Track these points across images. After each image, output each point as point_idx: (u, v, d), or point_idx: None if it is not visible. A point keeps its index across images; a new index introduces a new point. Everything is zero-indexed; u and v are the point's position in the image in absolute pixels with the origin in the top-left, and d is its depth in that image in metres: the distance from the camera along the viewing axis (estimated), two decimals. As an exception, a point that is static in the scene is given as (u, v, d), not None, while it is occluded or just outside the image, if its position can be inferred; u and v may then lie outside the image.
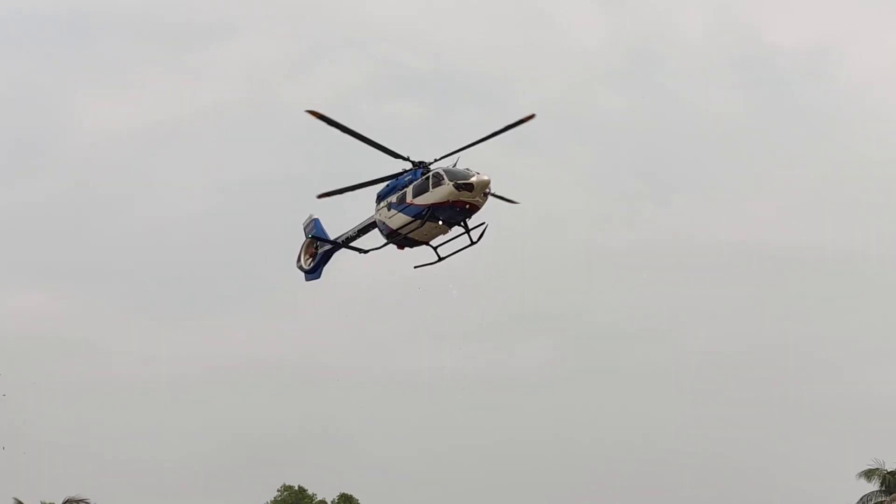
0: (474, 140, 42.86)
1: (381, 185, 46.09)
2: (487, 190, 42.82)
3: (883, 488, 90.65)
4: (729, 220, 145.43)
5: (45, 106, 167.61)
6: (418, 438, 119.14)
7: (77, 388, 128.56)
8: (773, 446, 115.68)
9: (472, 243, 44.27)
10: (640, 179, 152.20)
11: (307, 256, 49.58)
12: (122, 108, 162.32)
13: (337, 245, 48.42)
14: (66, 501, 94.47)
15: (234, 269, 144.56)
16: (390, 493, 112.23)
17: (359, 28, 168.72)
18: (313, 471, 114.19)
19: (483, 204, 43.10)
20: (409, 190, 44.18)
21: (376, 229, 46.47)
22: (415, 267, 45.88)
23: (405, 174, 45.08)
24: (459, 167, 43.41)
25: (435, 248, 45.36)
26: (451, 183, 42.66)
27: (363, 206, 46.91)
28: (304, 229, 50.16)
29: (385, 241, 46.00)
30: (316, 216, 49.80)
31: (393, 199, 45.07)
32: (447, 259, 45.23)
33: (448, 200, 42.78)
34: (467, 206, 43.00)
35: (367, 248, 47.22)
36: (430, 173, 43.62)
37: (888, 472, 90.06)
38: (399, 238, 45.10)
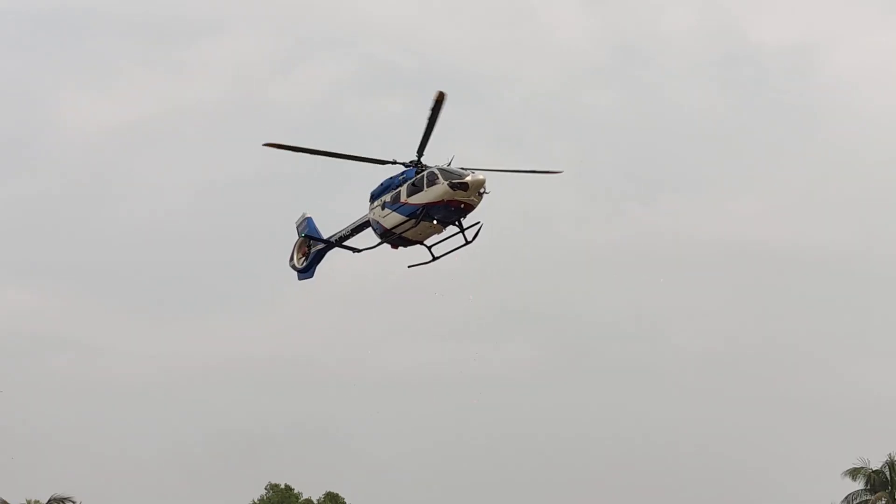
0: (495, 168, 43.22)
1: (375, 185, 45.92)
2: (482, 189, 42.62)
3: (868, 487, 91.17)
4: (714, 218, 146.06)
5: (31, 103, 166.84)
6: (406, 437, 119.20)
7: (64, 386, 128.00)
8: (759, 445, 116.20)
9: (467, 243, 44.04)
10: (624, 177, 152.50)
11: (300, 255, 49.26)
12: (108, 106, 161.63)
13: (330, 244, 48.07)
14: (52, 499, 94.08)
15: (223, 268, 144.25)
16: (377, 492, 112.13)
17: (345, 26, 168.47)
18: (300, 469, 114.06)
19: (478, 203, 42.89)
20: (404, 189, 43.91)
21: (370, 228, 46.12)
22: (409, 266, 45.69)
23: (399, 173, 44.76)
24: (454, 166, 43.19)
25: (429, 248, 45.09)
26: (446, 182, 42.44)
27: (357, 204, 46.80)
28: (297, 228, 49.74)
29: (379, 240, 45.69)
30: (309, 215, 49.44)
31: (387, 198, 44.77)
32: (441, 258, 45.06)
33: (443, 200, 42.55)
34: (462, 206, 42.75)
35: (360, 248, 46.99)
36: (425, 172, 43.33)
37: (873, 471, 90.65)
38: (393, 237, 44.80)
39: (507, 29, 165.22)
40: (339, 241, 47.78)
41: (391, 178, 45.20)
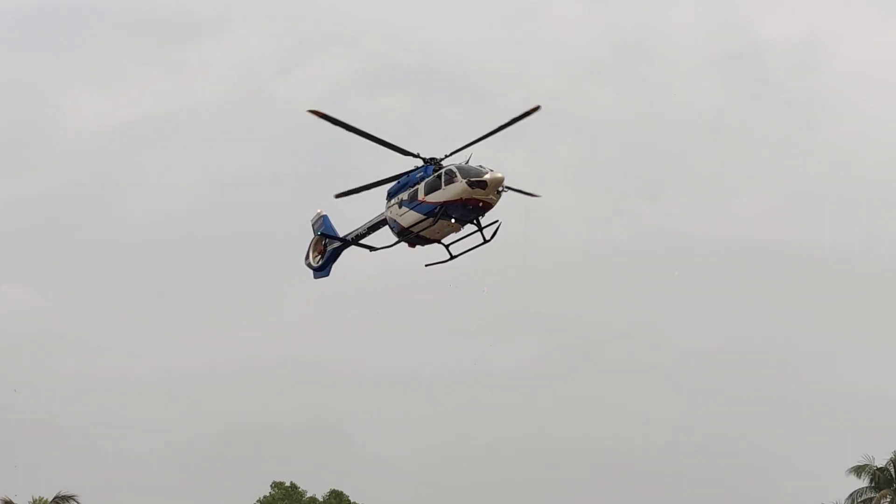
0: (481, 135, 42.29)
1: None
2: (501, 187, 42.17)
3: (872, 485, 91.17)
4: (716, 216, 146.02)
5: (32, 102, 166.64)
6: (409, 435, 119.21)
7: (66, 385, 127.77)
8: (763, 443, 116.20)
9: (485, 241, 43.62)
10: (627, 175, 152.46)
11: (316, 254, 48.81)
12: (110, 104, 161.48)
13: (346, 242, 47.70)
14: (56, 498, 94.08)
15: (224, 267, 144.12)
16: (382, 490, 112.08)
17: (348, 24, 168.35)
18: (305, 467, 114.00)
19: (496, 202, 42.47)
20: (421, 187, 43.50)
21: (386, 227, 45.78)
22: (426, 265, 45.30)
23: (416, 171, 44.38)
24: (472, 164, 42.74)
25: (447, 247, 44.71)
26: (465, 180, 42.00)
27: (373, 203, 46.50)
28: (313, 226, 49.39)
29: (396, 238, 45.31)
30: (324, 213, 49.04)
31: (404, 196, 44.35)
32: (458, 257, 44.72)
33: (461, 198, 42.13)
34: (480, 204, 42.35)
35: (377, 246, 46.62)
36: (443, 170, 42.93)
37: (878, 469, 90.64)
38: (411, 236, 44.41)
39: (510, 27, 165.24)
40: (355, 240, 47.38)
41: (408, 175, 44.74)
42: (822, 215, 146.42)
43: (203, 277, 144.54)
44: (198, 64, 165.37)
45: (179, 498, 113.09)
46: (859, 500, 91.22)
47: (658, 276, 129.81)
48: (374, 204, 46.57)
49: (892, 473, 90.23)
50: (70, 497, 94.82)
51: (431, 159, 43.88)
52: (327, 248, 48.66)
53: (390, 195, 45.50)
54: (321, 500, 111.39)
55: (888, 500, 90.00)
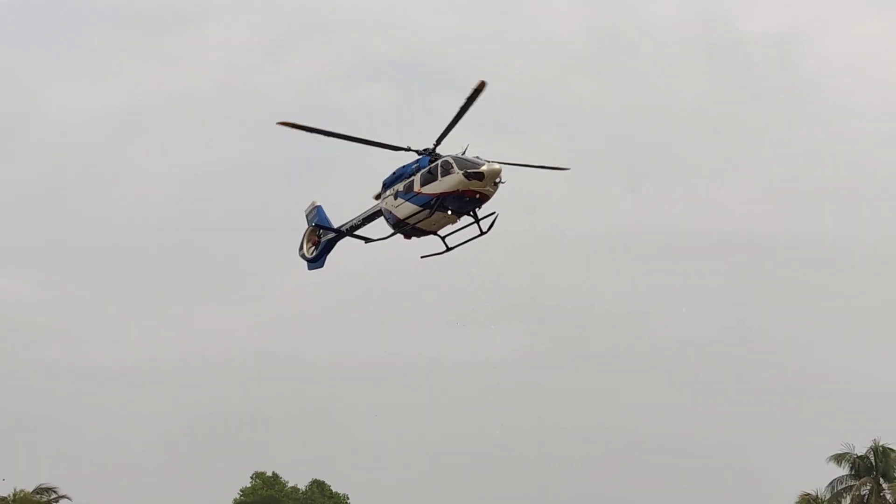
0: (450, 122, 41.49)
1: (387, 172, 45.02)
2: (498, 179, 41.55)
3: (853, 472, 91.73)
4: (699, 206, 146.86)
5: (18, 92, 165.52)
6: (393, 425, 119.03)
7: (50, 375, 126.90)
8: (744, 431, 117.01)
9: (482, 233, 43.06)
10: (611, 165, 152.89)
11: (310, 245, 48.19)
12: (96, 95, 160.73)
13: (340, 234, 47.04)
14: (37, 489, 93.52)
15: (210, 256, 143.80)
16: (363, 480, 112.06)
17: (332, 14, 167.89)
18: (286, 457, 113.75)
19: (493, 193, 41.86)
20: (417, 178, 42.87)
21: (381, 218, 45.11)
22: (422, 257, 44.71)
23: (412, 162, 43.74)
24: (468, 155, 42.16)
25: (443, 238, 44.13)
26: (461, 172, 41.42)
27: (368, 193, 46.05)
28: (307, 217, 48.75)
29: (391, 230, 44.69)
30: (319, 203, 48.40)
31: (400, 187, 43.71)
32: (455, 249, 44.32)
33: (458, 190, 41.53)
34: (477, 196, 41.75)
35: (373, 238, 45.87)
36: (439, 161, 42.31)
37: (858, 457, 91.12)
38: (406, 228, 43.82)
39: (493, 18, 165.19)
40: (349, 231, 46.75)
41: (403, 166, 44.14)
42: (803, 204, 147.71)
43: (188, 267, 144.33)
44: (183, 55, 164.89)
45: (161, 487, 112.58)
46: (839, 488, 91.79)
47: (642, 266, 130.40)
48: (369, 195, 46.18)
49: (873, 461, 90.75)
50: (51, 489, 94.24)
51: (427, 150, 43.20)
52: (321, 239, 48.06)
53: (385, 186, 44.85)
54: (303, 490, 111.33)
55: (868, 487, 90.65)
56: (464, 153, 42.60)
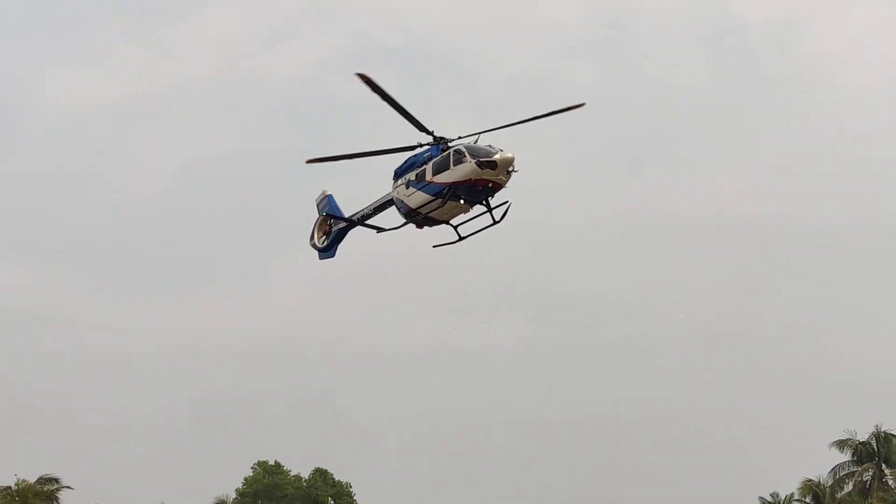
0: (517, 120, 41.85)
1: (397, 161, 44.61)
2: (511, 168, 41.27)
3: (855, 458, 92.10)
4: (700, 193, 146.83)
5: (17, 82, 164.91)
6: (394, 413, 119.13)
7: (47, 363, 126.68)
8: (747, 417, 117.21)
9: (495, 222, 42.80)
10: (611, 152, 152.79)
11: (321, 234, 47.88)
12: (92, 84, 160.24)
13: (352, 223, 46.79)
14: (40, 479, 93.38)
15: (209, 245, 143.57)
16: (365, 468, 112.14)
17: (331, 1, 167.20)
18: (289, 446, 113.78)
19: (506, 182, 41.59)
20: (429, 167, 42.54)
21: (393, 207, 44.86)
22: (434, 246, 44.40)
23: (424, 151, 43.47)
24: (481, 144, 41.99)
25: (455, 228, 43.85)
26: (474, 161, 41.14)
27: (379, 182, 45.85)
28: (318, 206, 48.51)
29: (403, 220, 44.42)
30: (329, 192, 48.17)
31: (412, 176, 43.40)
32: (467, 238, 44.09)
33: (470, 179, 41.27)
34: (490, 185, 41.47)
35: (385, 227, 45.59)
36: (451, 150, 42.02)
37: (860, 443, 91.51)
38: (419, 217, 43.55)
39: (494, 5, 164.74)
40: (361, 220, 46.49)
41: (415, 155, 43.84)
42: (805, 191, 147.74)
43: (188, 257, 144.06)
44: (180, 43, 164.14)
45: (164, 477, 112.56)
46: (842, 474, 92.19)
47: (644, 252, 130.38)
48: (380, 184, 45.97)
49: (875, 447, 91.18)
50: (53, 479, 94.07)
51: (440, 139, 42.94)
52: (332, 228, 47.83)
53: (397, 175, 44.57)
54: (305, 479, 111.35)
55: (870, 473, 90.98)
56: (476, 142, 42.33)
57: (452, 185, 41.89)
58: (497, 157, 41.34)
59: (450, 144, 42.81)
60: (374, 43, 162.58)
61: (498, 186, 41.94)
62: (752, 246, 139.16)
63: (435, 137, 43.00)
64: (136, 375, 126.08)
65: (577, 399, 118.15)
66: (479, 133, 42.03)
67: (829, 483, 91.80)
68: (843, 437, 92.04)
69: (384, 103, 40.71)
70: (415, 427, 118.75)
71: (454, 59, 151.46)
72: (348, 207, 47.39)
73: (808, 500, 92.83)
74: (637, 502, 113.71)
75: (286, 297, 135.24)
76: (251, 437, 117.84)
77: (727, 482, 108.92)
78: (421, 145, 43.35)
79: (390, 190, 45.16)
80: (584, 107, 41.90)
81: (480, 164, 41.32)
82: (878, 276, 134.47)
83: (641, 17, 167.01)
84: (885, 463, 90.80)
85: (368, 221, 46.56)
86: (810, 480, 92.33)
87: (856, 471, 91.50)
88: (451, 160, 42.01)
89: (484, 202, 42.74)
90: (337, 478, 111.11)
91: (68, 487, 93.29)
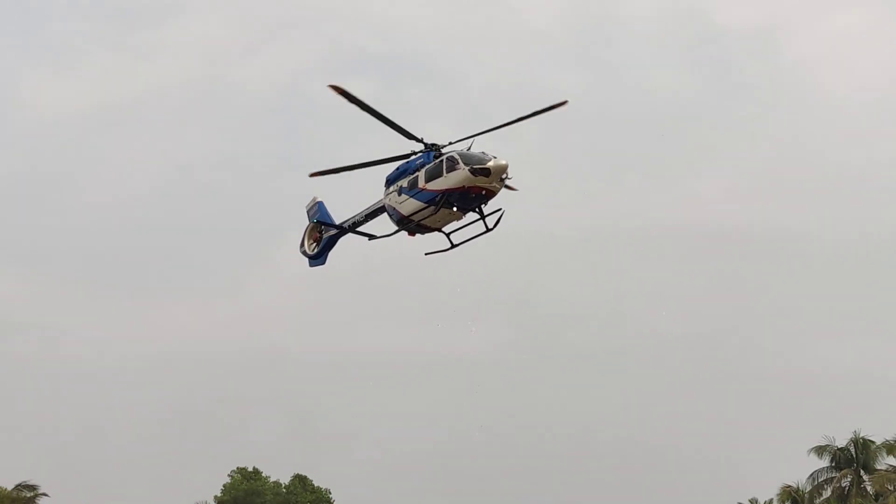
0: (499, 124, 41.58)
1: (390, 169, 44.24)
2: (505, 175, 40.98)
3: (833, 464, 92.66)
4: (679, 201, 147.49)
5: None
6: (373, 419, 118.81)
7: (22, 369, 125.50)
8: (726, 424, 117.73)
9: (488, 230, 42.48)
10: (590, 159, 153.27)
11: (311, 241, 47.43)
12: (71, 89, 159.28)
13: (343, 230, 46.37)
14: (17, 486, 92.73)
15: (188, 251, 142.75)
16: (345, 474, 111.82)
17: (311, 8, 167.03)
18: (268, 452, 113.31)
19: (500, 189, 41.31)
20: (422, 174, 42.20)
21: (385, 214, 44.47)
22: (426, 254, 44.01)
23: (416, 157, 43.12)
24: (474, 150, 41.64)
25: (448, 235, 43.54)
26: (467, 168, 40.78)
27: (371, 189, 45.60)
28: (308, 213, 48.00)
29: (395, 227, 44.02)
30: (320, 199, 47.68)
31: (404, 183, 43.01)
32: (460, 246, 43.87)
33: (463, 186, 40.92)
34: (483, 192, 41.14)
35: (377, 235, 45.24)
36: (444, 157, 41.67)
37: (839, 449, 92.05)
38: (411, 225, 43.12)
39: (473, 11, 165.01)
40: (352, 227, 46.09)
41: (407, 161, 43.49)
42: (783, 198, 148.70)
43: (167, 262, 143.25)
44: (159, 48, 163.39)
45: (142, 484, 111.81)
46: (820, 480, 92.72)
47: (622, 261, 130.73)
48: (372, 190, 45.75)
49: (853, 454, 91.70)
50: (31, 486, 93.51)
51: (432, 145, 42.66)
52: (323, 235, 47.40)
53: (389, 182, 44.18)
54: (285, 485, 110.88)
55: (849, 479, 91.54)
56: (469, 149, 42.01)
57: (445, 193, 41.55)
58: (491, 164, 41.05)
59: (442, 151, 42.47)
60: (354, 49, 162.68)
61: (491, 194, 41.62)
62: (731, 253, 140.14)
63: (426, 144, 42.70)
64: (114, 382, 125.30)
65: (555, 406, 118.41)
66: (468, 139, 41.77)
67: (808, 489, 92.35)
68: (822, 443, 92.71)
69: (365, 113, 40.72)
70: (394, 433, 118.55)
71: (433, 65, 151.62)
72: (339, 215, 47.08)
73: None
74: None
75: (265, 304, 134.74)
76: (230, 444, 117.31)
77: (706, 488, 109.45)
78: (415, 153, 43.01)
79: (382, 197, 44.78)
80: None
81: (474, 172, 40.97)
82: (857, 283, 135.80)
83: (621, 24, 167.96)
84: (863, 469, 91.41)
85: (360, 229, 46.17)
86: (789, 486, 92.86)
87: (834, 476, 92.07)
88: (444, 167, 41.66)
89: (477, 210, 42.45)
90: (316, 484, 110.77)
91: (44, 495, 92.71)
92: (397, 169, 44.12)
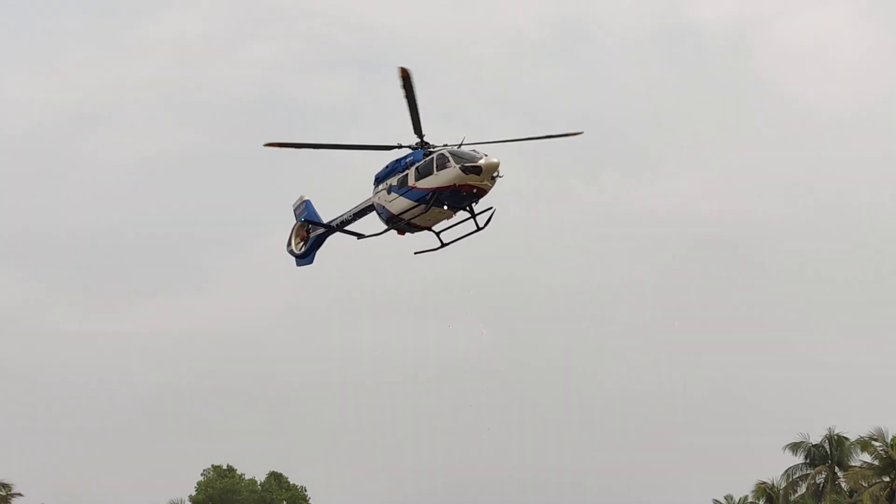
0: (507, 139, 41.57)
1: (376, 164, 43.86)
2: (496, 173, 40.55)
3: (808, 461, 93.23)
4: (656, 195, 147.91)
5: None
6: (349, 416, 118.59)
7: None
8: (699, 420, 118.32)
9: (479, 229, 42.12)
10: (567, 155, 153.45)
11: (298, 240, 46.78)
12: (48, 84, 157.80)
13: (331, 229, 45.74)
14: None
15: (163, 246, 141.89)
16: (321, 471, 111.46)
17: (288, 4, 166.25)
18: (243, 449, 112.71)
19: (491, 188, 40.85)
20: (412, 172, 41.65)
21: (373, 213, 43.88)
22: (415, 253, 43.54)
23: (405, 155, 42.57)
24: (465, 148, 41.25)
25: (438, 234, 43.08)
26: (458, 166, 40.31)
27: (359, 187, 45.18)
28: (295, 212, 47.45)
29: (385, 226, 43.46)
30: (307, 198, 47.12)
31: (393, 181, 42.42)
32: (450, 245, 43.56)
33: (454, 184, 40.45)
34: (474, 191, 40.69)
35: (365, 234, 44.69)
36: (435, 155, 41.15)
37: (813, 445, 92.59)
38: (401, 223, 42.57)
39: (449, 6, 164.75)
40: (340, 226, 45.50)
41: (396, 160, 42.87)
42: (761, 192, 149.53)
43: (141, 257, 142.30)
44: (137, 44, 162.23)
45: (117, 480, 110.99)
46: (795, 476, 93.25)
47: (599, 256, 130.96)
48: (361, 189, 45.33)
49: (828, 450, 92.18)
50: (6, 485, 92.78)
51: (420, 143, 42.12)
52: (310, 234, 46.78)
53: (378, 180, 43.62)
54: (260, 482, 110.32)
55: (823, 475, 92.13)
56: (460, 146, 41.55)
57: (436, 191, 41.07)
58: (482, 162, 40.60)
59: (433, 149, 41.98)
60: (331, 45, 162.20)
61: (482, 192, 41.16)
62: (708, 247, 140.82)
63: (421, 142, 42.13)
64: (87, 378, 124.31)
65: (537, 399, 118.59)
66: (469, 146, 41.51)
67: (783, 485, 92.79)
68: (797, 439, 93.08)
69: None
70: (371, 430, 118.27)
71: (412, 62, 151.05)
72: (326, 213, 46.62)
73: (761, 502, 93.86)
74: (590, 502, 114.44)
75: (241, 299, 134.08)
76: (204, 440, 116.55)
77: (681, 484, 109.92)
78: (401, 146, 42.51)
79: (370, 195, 44.18)
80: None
81: (465, 170, 40.52)
82: (834, 278, 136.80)
83: (597, 19, 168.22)
84: (837, 465, 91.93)
85: (348, 227, 45.60)
86: (764, 483, 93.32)
87: (809, 473, 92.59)
88: (435, 165, 41.16)
89: (468, 208, 42.03)
90: (292, 481, 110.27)
91: (19, 494, 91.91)
92: (387, 167, 43.55)
